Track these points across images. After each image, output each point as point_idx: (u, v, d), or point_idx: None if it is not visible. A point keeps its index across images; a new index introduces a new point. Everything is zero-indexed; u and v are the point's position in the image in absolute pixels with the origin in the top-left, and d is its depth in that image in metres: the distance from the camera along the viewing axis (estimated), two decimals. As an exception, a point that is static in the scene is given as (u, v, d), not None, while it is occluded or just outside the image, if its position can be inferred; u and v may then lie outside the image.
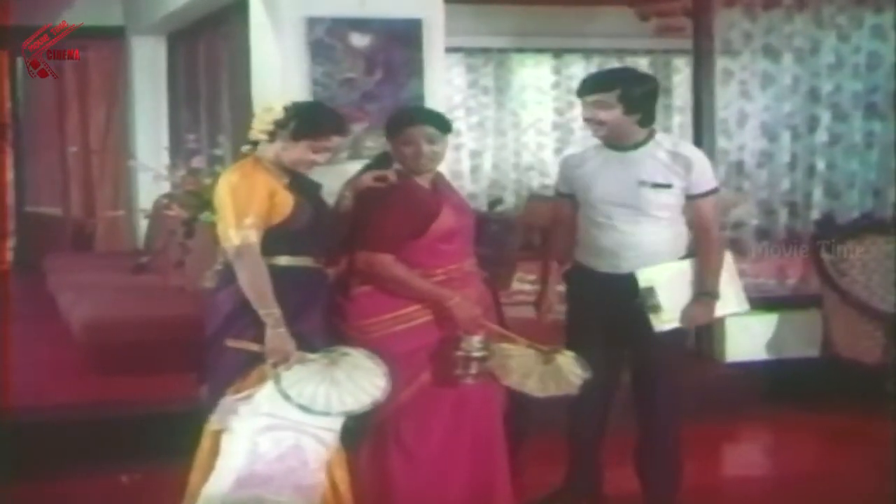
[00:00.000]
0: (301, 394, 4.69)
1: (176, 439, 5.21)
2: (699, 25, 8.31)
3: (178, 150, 10.34)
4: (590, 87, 5.61)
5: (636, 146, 5.52)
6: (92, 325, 8.17)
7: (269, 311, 4.72)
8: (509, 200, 16.02)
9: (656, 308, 5.43)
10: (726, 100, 8.57)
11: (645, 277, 5.44)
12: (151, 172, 8.38)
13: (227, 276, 4.89)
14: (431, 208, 5.16)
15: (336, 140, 5.04)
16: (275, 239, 4.84)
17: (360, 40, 6.95)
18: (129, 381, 7.45)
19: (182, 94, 11.48)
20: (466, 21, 12.80)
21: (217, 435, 4.87)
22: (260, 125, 4.91)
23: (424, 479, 5.17)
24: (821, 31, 8.92)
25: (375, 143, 6.88)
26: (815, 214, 8.97)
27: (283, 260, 4.89)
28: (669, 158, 5.50)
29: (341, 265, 5.23)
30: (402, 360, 5.00)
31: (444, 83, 7.79)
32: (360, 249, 5.08)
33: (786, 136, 8.89)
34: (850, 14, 8.99)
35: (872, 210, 9.09)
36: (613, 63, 15.70)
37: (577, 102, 15.02)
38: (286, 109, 4.92)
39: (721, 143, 8.49)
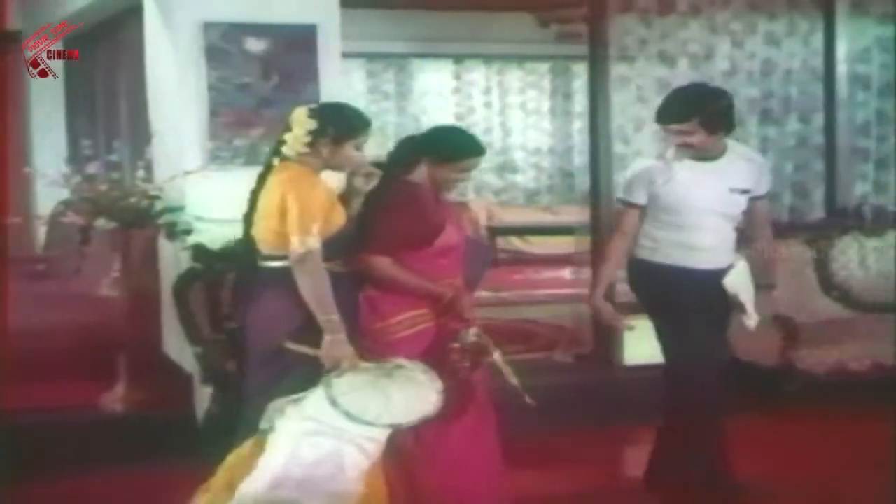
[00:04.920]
0: (350, 402, 4.69)
1: (75, 447, 5.17)
2: (594, 32, 8.36)
3: (75, 156, 10.23)
4: (669, 117, 5.84)
5: (719, 155, 5.88)
6: (-12, 333, 8.06)
7: (329, 316, 4.81)
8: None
9: (743, 308, 5.95)
10: (623, 105, 8.64)
11: (730, 283, 5.89)
12: (48, 179, 8.29)
13: (269, 279, 4.97)
14: (439, 221, 5.28)
15: (367, 133, 5.12)
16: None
17: (255, 45, 6.95)
18: (30, 389, 7.35)
19: (79, 99, 11.36)
20: (367, 26, 12.79)
21: (264, 435, 4.86)
22: (298, 140, 4.95)
23: (447, 480, 5.27)
24: (715, 37, 9.01)
25: (273, 149, 6.87)
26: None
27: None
28: (747, 164, 6.00)
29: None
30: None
31: (345, 88, 7.80)
32: (361, 251, 5.13)
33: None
34: (745, 21, 9.08)
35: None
36: (514, 69, 15.88)
37: (478, 107, 15.13)
38: (316, 118, 4.98)
39: (618, 148, 8.54)
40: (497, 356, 5.29)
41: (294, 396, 4.78)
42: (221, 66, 6.90)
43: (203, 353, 6.52)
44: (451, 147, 5.35)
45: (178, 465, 5.31)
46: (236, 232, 5.16)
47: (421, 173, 5.26)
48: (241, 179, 5.32)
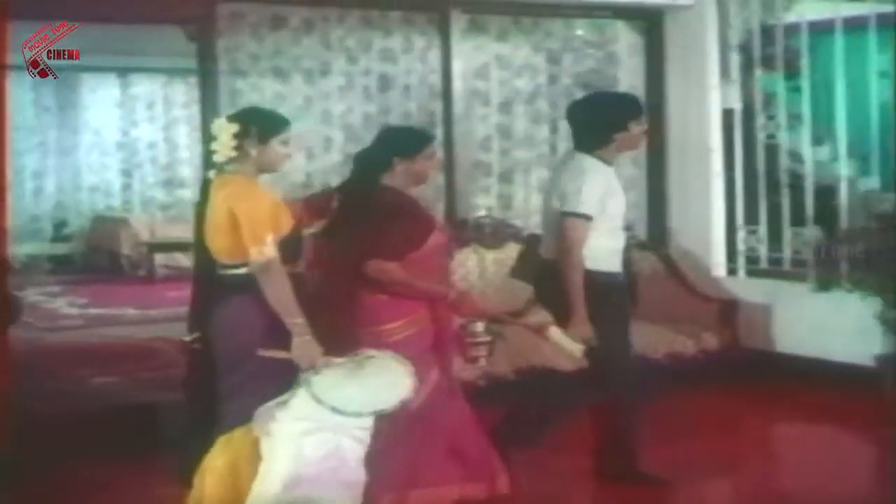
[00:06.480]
0: (333, 397, 4.87)
1: None
2: (203, 47, 8.28)
3: None
4: (642, 112, 6.32)
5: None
6: None
7: (295, 319, 4.94)
8: (75, 223, 15.76)
9: None
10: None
11: None
12: None
13: (232, 287, 5.07)
14: (429, 222, 5.66)
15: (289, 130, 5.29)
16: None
17: None
18: None
19: None
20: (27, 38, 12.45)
21: (256, 442, 5.02)
22: (225, 146, 5.06)
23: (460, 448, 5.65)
24: (330, 52, 9.08)
25: None
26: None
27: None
28: None
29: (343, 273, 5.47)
30: (416, 362, 5.22)
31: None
32: (370, 258, 5.38)
33: (299, 157, 8.94)
34: (359, 36, 9.18)
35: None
36: (179, 83, 15.72)
37: (143, 121, 14.93)
38: (237, 121, 5.11)
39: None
40: (553, 331, 5.80)
41: (279, 399, 4.96)
42: None
43: None
44: (414, 138, 5.78)
45: None
46: None
47: (395, 176, 5.56)
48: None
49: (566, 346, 5.81)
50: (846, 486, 6.50)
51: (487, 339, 5.90)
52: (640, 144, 6.59)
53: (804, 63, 8.99)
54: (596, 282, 6.03)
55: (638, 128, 6.20)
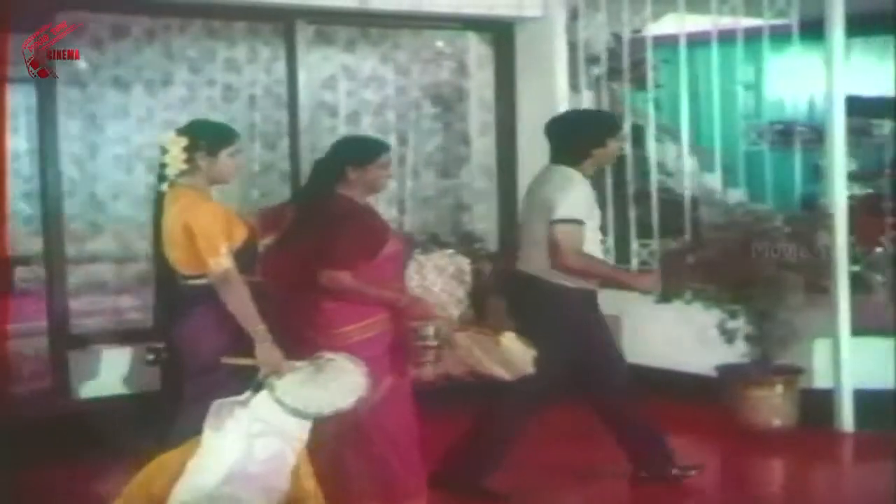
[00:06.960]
0: (295, 399, 5.04)
1: None
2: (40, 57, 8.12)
3: None
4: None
5: None
6: None
7: (256, 327, 5.09)
8: (-66, 236, 15.43)
9: None
10: (76, 131, 8.50)
11: None
12: None
13: (195, 297, 5.19)
14: (384, 232, 5.73)
15: (238, 142, 5.44)
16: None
17: None
18: None
19: None
20: None
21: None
22: (176, 160, 5.20)
23: (405, 457, 5.74)
24: (172, 62, 9.00)
25: None
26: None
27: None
28: None
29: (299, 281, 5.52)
30: (370, 365, 5.33)
31: None
32: (322, 267, 5.44)
33: (141, 168, 8.89)
34: (202, 47, 9.12)
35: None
36: (30, 89, 15.39)
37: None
38: (186, 134, 5.26)
39: (72, 173, 8.43)
40: (508, 336, 5.87)
41: (240, 398, 5.07)
42: None
43: None
44: (367, 147, 5.87)
45: None
46: None
47: (349, 185, 5.64)
48: None
49: (518, 352, 5.88)
50: (689, 495, 6.70)
51: (434, 344, 5.98)
52: (613, 160, 6.98)
53: (652, 76, 9.06)
54: (570, 297, 6.22)
55: (614, 144, 6.47)
